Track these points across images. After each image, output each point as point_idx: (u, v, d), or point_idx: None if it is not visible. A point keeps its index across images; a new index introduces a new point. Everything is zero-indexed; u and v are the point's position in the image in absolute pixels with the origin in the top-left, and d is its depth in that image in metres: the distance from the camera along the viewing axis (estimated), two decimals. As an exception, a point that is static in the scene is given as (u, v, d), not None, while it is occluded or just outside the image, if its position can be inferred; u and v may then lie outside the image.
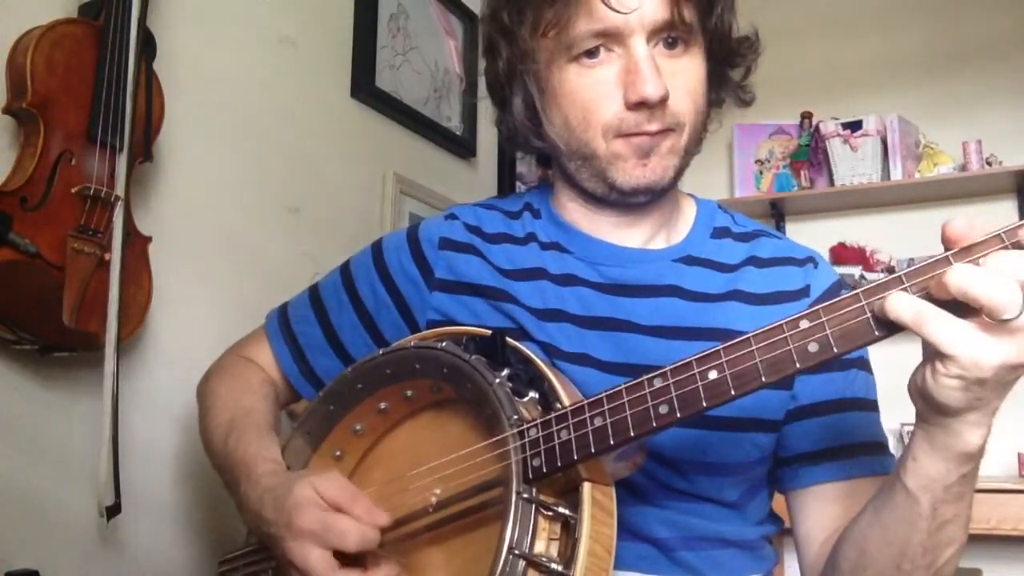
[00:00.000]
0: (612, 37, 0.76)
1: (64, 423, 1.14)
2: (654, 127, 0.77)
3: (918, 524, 0.63)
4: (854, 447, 0.81)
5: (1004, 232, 0.53)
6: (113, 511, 1.10)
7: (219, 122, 1.46)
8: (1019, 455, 2.25)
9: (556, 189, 0.92)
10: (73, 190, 1.07)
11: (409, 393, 0.80)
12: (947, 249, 0.55)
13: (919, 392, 0.57)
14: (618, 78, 0.77)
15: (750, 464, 0.82)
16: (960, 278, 0.51)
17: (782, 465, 0.84)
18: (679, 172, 0.82)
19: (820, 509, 0.81)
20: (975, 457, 0.59)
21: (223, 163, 1.46)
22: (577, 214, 0.89)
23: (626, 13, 0.74)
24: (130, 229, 1.15)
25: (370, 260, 0.94)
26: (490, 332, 0.75)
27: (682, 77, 0.78)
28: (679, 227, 0.89)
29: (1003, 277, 0.50)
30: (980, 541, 2.17)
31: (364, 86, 1.85)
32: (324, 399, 0.84)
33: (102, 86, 1.10)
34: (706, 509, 0.80)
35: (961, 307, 0.52)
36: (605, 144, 0.79)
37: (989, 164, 2.53)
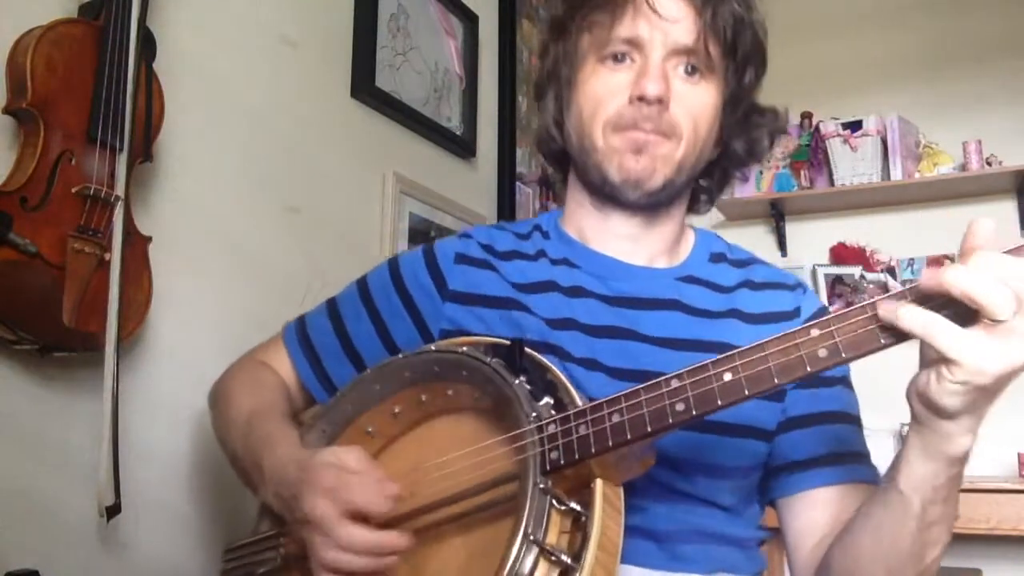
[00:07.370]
0: (638, 46, 0.86)
1: (64, 423, 1.14)
2: (648, 125, 0.85)
3: (908, 524, 0.68)
4: (842, 455, 0.86)
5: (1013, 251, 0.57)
6: (113, 511, 1.10)
7: (219, 122, 1.46)
8: (1019, 455, 2.25)
9: (569, 197, 0.98)
10: (73, 190, 1.07)
11: (424, 398, 0.83)
12: (964, 247, 0.58)
13: (920, 396, 0.61)
14: (630, 82, 0.86)
15: (745, 469, 0.87)
16: (964, 279, 0.55)
17: (774, 473, 0.89)
18: (670, 183, 0.88)
19: (810, 513, 0.86)
20: (962, 461, 0.65)
21: (223, 163, 1.46)
22: (586, 229, 0.94)
23: (661, 16, 0.84)
24: (130, 229, 1.14)
25: (387, 273, 1.00)
26: (509, 342, 0.78)
27: (690, 99, 0.87)
28: (680, 252, 0.97)
29: (996, 280, 0.55)
30: (980, 541, 2.17)
31: (364, 86, 1.85)
32: (342, 398, 0.87)
33: (102, 86, 1.10)
34: (704, 511, 0.84)
35: (962, 318, 0.56)
36: (604, 139, 0.88)
37: (989, 164, 2.53)
